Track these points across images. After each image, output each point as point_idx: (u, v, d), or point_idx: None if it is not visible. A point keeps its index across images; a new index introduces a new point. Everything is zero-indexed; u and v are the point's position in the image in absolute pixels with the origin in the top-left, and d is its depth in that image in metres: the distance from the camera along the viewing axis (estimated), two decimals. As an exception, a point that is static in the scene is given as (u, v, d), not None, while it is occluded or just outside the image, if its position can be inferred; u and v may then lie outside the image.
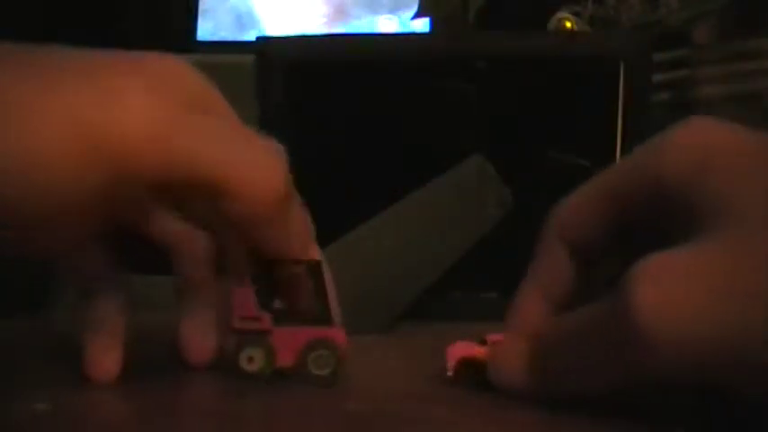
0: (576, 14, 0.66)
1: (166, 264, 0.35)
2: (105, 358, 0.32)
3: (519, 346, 0.30)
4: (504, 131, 0.44)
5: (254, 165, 0.29)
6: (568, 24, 0.66)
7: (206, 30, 0.89)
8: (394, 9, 0.89)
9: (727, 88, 0.56)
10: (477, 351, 0.32)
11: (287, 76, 0.44)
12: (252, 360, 0.33)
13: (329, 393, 0.32)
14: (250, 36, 0.44)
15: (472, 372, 0.32)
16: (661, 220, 0.27)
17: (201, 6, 0.90)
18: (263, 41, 0.44)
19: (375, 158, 0.44)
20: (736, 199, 0.24)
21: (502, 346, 0.31)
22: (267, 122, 0.44)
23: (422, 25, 0.87)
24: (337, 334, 0.33)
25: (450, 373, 0.32)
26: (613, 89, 0.43)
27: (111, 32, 0.85)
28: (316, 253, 0.33)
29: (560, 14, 0.66)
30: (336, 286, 0.37)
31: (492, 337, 0.32)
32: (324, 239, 0.42)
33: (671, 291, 0.24)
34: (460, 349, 0.33)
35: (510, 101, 0.44)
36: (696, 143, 0.27)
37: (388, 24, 0.87)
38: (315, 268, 0.33)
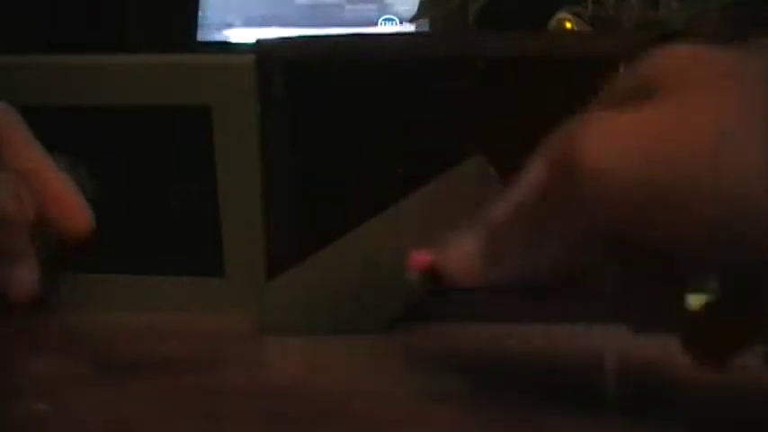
0: (576, 14, 0.66)
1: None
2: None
3: (468, 237, 0.31)
4: (504, 131, 0.44)
5: None
6: (568, 24, 0.66)
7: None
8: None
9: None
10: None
11: (287, 76, 0.44)
12: None
13: (332, 394, 0.32)
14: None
15: (436, 276, 0.32)
16: None
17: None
18: (263, 41, 0.44)
19: (375, 158, 0.44)
20: (680, 76, 0.27)
21: (452, 241, 0.32)
22: (267, 122, 0.44)
23: (422, 25, 0.87)
24: None
25: (413, 278, 0.32)
26: (613, 89, 0.43)
27: (110, 33, 0.85)
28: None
29: (560, 14, 0.66)
30: (336, 286, 0.37)
31: None
32: (324, 239, 0.42)
33: (613, 132, 0.26)
34: (425, 256, 0.32)
35: (510, 101, 0.44)
36: (663, 54, 0.29)
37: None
38: None
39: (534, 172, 0.31)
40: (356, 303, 0.41)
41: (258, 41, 0.44)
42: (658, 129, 0.26)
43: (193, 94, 0.44)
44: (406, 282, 0.42)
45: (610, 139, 0.26)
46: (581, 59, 0.44)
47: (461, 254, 0.31)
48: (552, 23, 0.67)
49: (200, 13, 0.92)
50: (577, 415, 0.29)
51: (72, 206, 0.36)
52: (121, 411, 0.30)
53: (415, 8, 0.80)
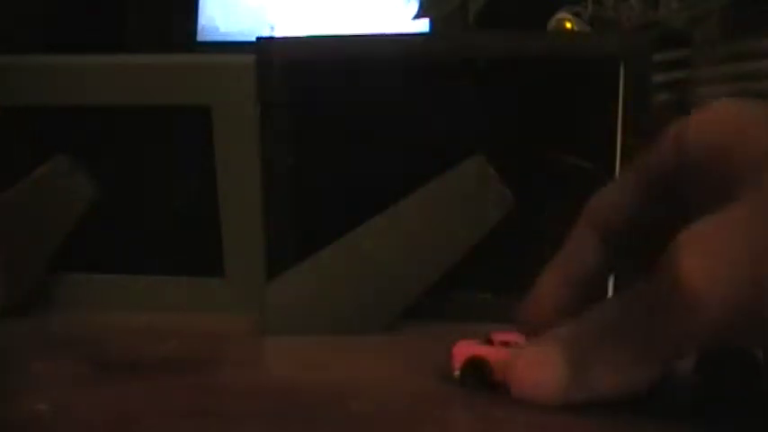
0: (576, 14, 0.66)
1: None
2: None
3: (547, 351, 0.28)
4: (504, 131, 0.44)
5: None
6: (568, 24, 0.66)
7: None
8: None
9: (727, 88, 0.56)
10: (483, 350, 0.32)
11: (287, 76, 0.44)
12: None
13: (332, 394, 0.32)
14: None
15: (479, 372, 0.32)
16: (688, 194, 0.28)
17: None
18: (263, 41, 0.44)
19: (375, 158, 0.44)
20: (763, 164, 0.25)
21: (525, 357, 0.29)
22: (267, 122, 0.44)
23: (422, 25, 0.87)
24: None
25: (456, 374, 0.32)
26: (613, 89, 0.43)
27: (111, 33, 0.85)
28: None
29: (560, 14, 0.67)
30: (336, 286, 0.37)
31: (498, 336, 0.32)
32: (324, 239, 0.42)
33: (715, 254, 0.25)
34: (466, 349, 0.32)
35: (510, 101, 0.44)
36: (719, 118, 0.28)
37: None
38: None
39: (580, 241, 0.31)
40: (356, 303, 0.41)
41: (258, 41, 0.44)
42: (754, 240, 0.24)
43: (193, 94, 0.44)
44: (405, 281, 0.42)
45: (713, 261, 0.25)
46: (581, 59, 0.44)
47: (540, 367, 0.28)
48: (552, 23, 0.67)
49: (199, 14, 0.92)
50: (578, 415, 0.28)
51: None
52: (121, 411, 0.30)
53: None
